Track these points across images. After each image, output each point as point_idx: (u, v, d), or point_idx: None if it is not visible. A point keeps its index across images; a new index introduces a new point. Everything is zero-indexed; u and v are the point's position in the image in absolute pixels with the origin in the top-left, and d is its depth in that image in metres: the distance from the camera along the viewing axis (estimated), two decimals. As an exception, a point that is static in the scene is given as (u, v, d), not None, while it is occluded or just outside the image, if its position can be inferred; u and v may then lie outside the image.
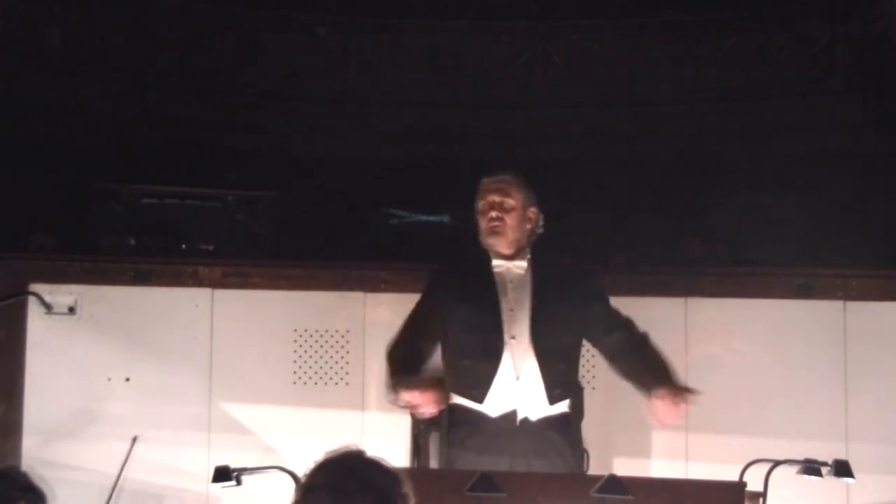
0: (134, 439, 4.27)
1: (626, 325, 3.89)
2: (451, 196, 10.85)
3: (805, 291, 4.42)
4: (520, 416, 3.75)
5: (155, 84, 10.20)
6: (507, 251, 3.90)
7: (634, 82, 10.64)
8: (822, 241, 8.33)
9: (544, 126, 10.36)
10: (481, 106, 10.60)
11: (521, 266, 3.90)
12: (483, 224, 3.93)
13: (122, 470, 4.21)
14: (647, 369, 3.76)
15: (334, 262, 4.82)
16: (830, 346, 4.37)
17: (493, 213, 3.90)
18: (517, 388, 3.75)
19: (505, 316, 3.82)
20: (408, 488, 2.22)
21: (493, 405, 3.75)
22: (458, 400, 3.80)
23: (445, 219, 11.14)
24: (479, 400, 3.75)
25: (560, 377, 3.82)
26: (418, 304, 3.95)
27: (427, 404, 3.70)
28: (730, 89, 10.47)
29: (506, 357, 3.77)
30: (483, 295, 3.85)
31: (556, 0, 10.97)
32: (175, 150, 10.15)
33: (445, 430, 3.85)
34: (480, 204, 3.95)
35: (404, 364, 3.80)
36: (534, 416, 3.76)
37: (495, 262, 3.91)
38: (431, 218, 11.23)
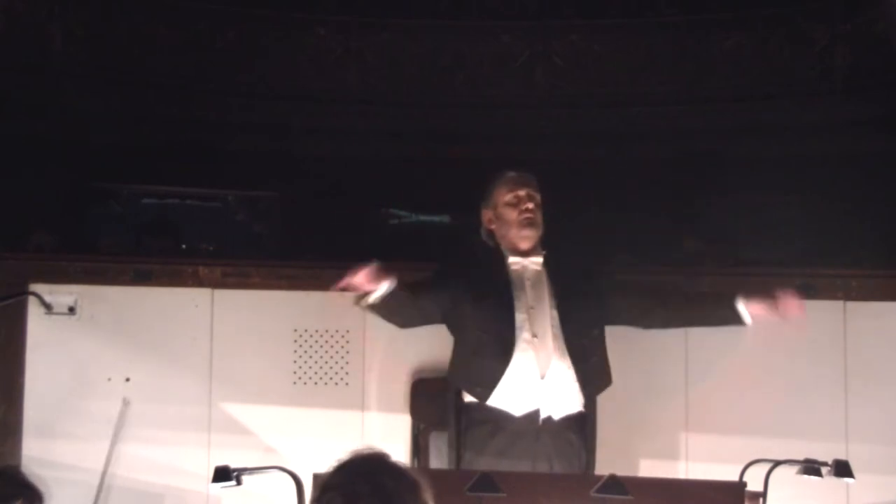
0: (124, 402, 4.27)
1: (654, 292, 3.98)
2: (451, 196, 10.89)
3: (805, 291, 4.41)
4: (542, 416, 3.73)
5: (155, 84, 10.20)
6: (529, 246, 3.87)
7: (634, 82, 10.65)
8: (823, 241, 8.33)
9: (544, 126, 10.36)
10: (481, 106, 10.60)
11: (537, 262, 3.87)
12: (513, 216, 3.88)
13: (113, 439, 4.20)
14: (717, 300, 3.85)
15: (334, 262, 4.81)
16: (830, 346, 4.37)
17: (530, 205, 3.88)
18: (541, 387, 3.73)
19: (526, 314, 3.79)
20: (427, 496, 2.20)
21: (516, 404, 3.72)
22: (471, 398, 3.78)
23: (445, 219, 11.14)
24: (484, 398, 3.73)
25: (596, 369, 3.85)
26: (421, 282, 3.89)
27: (363, 277, 3.64)
28: (730, 89, 10.48)
29: (529, 356, 3.73)
30: (499, 293, 3.81)
31: (556, 0, 10.97)
32: (175, 150, 10.16)
33: (458, 430, 3.81)
34: (508, 197, 3.90)
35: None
36: (556, 416, 3.75)
37: (512, 260, 3.88)
38: (431, 218, 11.24)
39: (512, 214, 3.89)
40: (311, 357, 4.41)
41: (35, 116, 9.61)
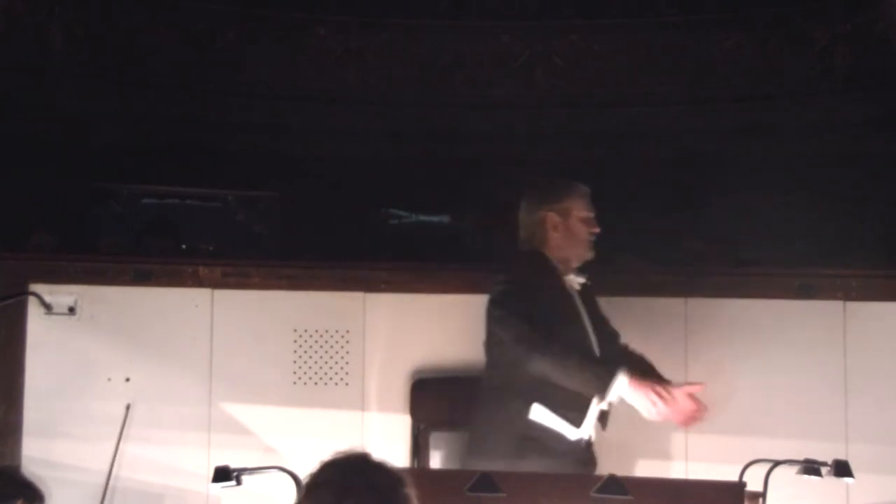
0: (127, 409, 4.26)
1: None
2: (450, 196, 10.91)
3: (805, 291, 4.41)
4: (586, 438, 3.76)
5: (155, 84, 10.21)
6: (579, 264, 3.85)
7: (634, 82, 10.66)
8: (823, 241, 8.34)
9: (544, 126, 10.37)
10: (481, 106, 10.61)
11: (580, 282, 3.82)
12: (585, 234, 3.83)
13: (118, 444, 4.20)
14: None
15: (334, 262, 4.81)
16: (830, 346, 4.37)
17: (597, 229, 3.85)
18: (597, 411, 3.74)
19: (591, 335, 3.77)
20: (411, 490, 2.26)
21: (582, 431, 3.70)
22: (537, 416, 3.67)
23: (445, 219, 11.15)
24: (578, 424, 3.67)
25: None
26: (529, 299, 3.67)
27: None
28: (730, 89, 10.49)
29: None
30: (572, 311, 3.75)
31: (556, 0, 10.98)
32: (175, 150, 10.17)
33: (494, 436, 3.72)
34: (585, 214, 3.84)
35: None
36: (593, 437, 3.79)
37: (569, 276, 3.81)
38: (431, 218, 11.25)
39: (584, 232, 3.83)
40: (311, 357, 4.41)
41: (35, 116, 9.62)
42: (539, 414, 3.66)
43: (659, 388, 3.52)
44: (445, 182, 10.27)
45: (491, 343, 3.81)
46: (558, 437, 3.68)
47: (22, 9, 9.91)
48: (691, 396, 3.59)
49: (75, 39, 10.18)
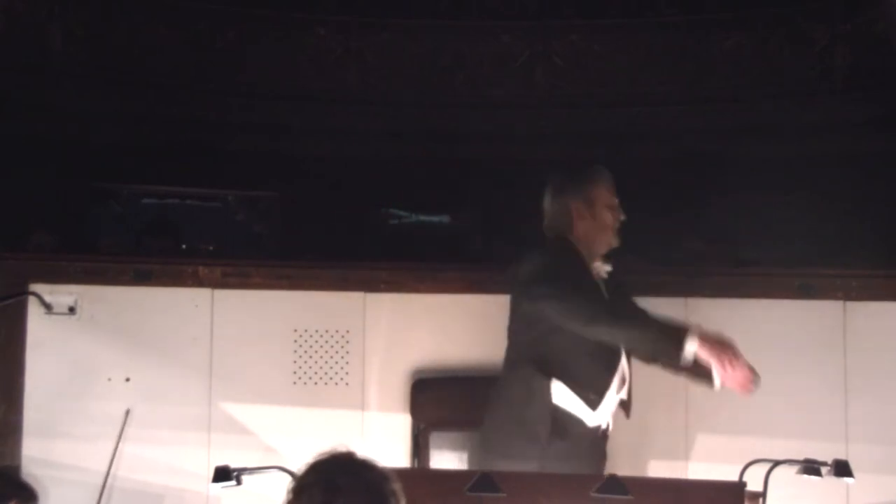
0: (127, 412, 4.26)
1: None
2: (450, 196, 10.91)
3: (805, 291, 4.41)
4: (603, 427, 3.75)
5: (155, 84, 10.21)
6: (606, 252, 3.82)
7: (634, 82, 10.66)
8: (823, 241, 8.34)
9: (544, 126, 10.37)
10: (481, 106, 10.61)
11: (607, 270, 3.79)
12: (611, 220, 3.79)
13: (116, 447, 4.19)
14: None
15: (334, 262, 4.81)
16: (830, 346, 4.37)
17: (623, 215, 3.82)
18: (614, 400, 3.73)
19: None
20: (397, 486, 2.29)
21: (596, 414, 3.69)
22: (557, 395, 3.65)
23: (445, 219, 11.15)
24: (594, 406, 3.66)
25: None
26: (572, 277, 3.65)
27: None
28: (730, 89, 10.49)
29: (620, 368, 3.72)
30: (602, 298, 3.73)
31: (556, 0, 10.98)
32: (175, 150, 10.17)
33: (518, 418, 3.68)
34: (611, 200, 3.81)
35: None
36: (610, 426, 3.79)
37: (596, 263, 3.79)
38: (431, 218, 11.25)
39: (611, 218, 3.79)
40: (311, 357, 4.41)
41: (35, 116, 9.62)
42: (559, 392, 3.64)
43: (729, 354, 3.46)
44: (445, 182, 10.27)
45: (518, 323, 3.76)
46: (579, 422, 3.67)
47: (22, 9, 9.91)
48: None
49: (75, 39, 10.18)
